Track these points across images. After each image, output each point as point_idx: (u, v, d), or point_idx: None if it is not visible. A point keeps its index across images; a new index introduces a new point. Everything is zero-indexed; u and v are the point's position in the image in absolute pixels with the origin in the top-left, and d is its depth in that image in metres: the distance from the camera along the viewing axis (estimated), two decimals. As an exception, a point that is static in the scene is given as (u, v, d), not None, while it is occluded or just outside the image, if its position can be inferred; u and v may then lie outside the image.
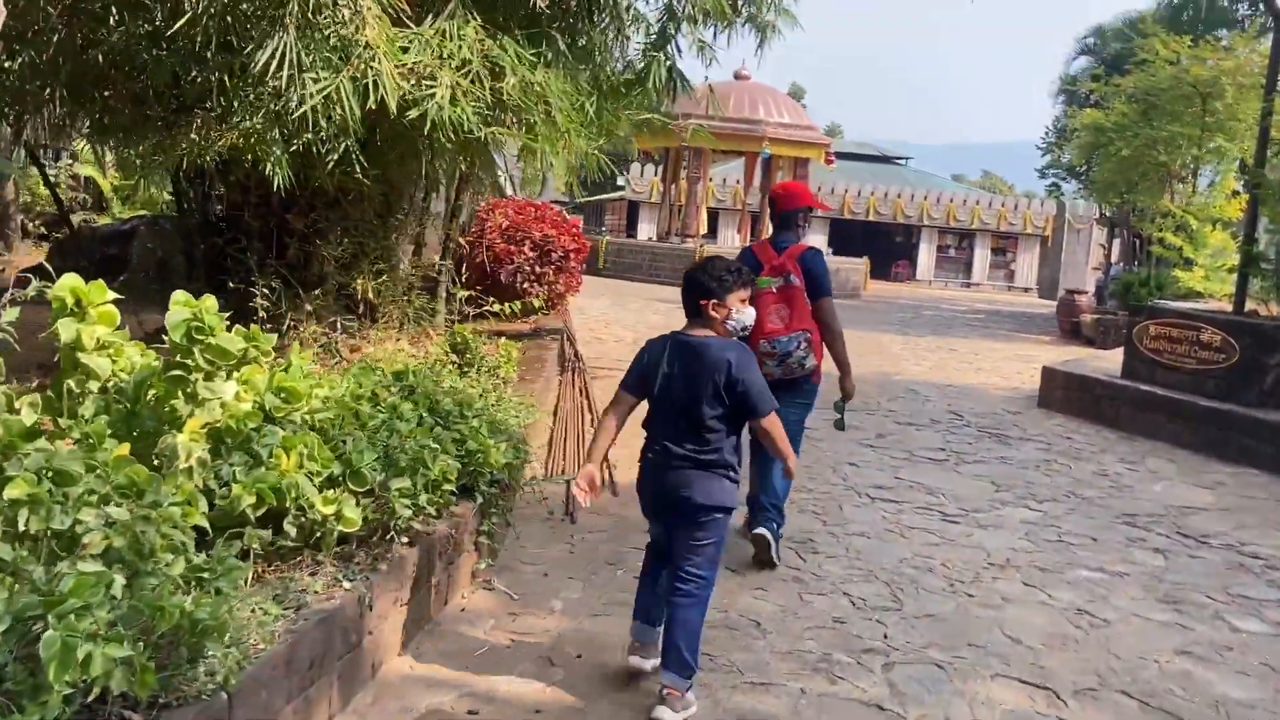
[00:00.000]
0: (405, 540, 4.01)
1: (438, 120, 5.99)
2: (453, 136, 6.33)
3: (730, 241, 37.62)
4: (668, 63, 8.10)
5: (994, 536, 5.96)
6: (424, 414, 4.75)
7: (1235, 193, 17.51)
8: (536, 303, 12.32)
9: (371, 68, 5.57)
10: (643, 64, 8.09)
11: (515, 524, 5.31)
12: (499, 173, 19.00)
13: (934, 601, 4.92)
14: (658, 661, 3.72)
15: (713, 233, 41.25)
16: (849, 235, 41.94)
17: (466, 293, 9.99)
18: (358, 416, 4.39)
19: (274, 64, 5.28)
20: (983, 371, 13.63)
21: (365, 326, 8.04)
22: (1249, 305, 10.20)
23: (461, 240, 10.86)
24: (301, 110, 5.49)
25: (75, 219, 14.42)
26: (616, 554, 5.29)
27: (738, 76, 30.09)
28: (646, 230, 39.00)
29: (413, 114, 5.98)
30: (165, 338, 3.84)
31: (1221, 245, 16.30)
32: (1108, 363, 11.64)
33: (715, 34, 8.57)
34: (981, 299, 35.80)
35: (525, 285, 12.39)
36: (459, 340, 6.01)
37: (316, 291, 7.47)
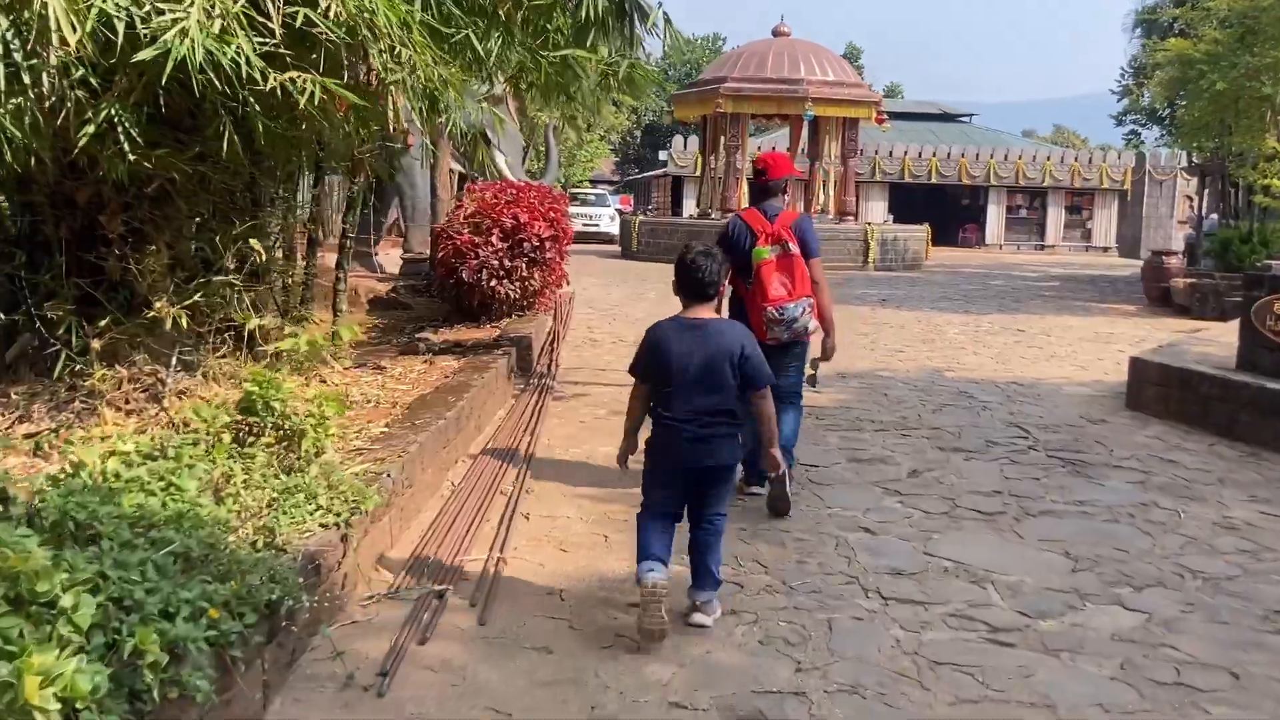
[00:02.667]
0: None
1: (194, 63, 3.95)
2: (243, 92, 4.30)
3: (780, 214, 35.21)
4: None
5: (1069, 674, 3.75)
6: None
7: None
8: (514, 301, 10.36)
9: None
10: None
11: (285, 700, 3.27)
12: (496, 152, 16.97)
13: None
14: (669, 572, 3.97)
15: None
16: (910, 200, 39.26)
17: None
18: None
19: None
20: (1056, 359, 11.25)
21: (214, 359, 6.05)
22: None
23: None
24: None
25: None
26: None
27: (776, 33, 27.78)
28: (691, 207, 36.71)
29: (145, 55, 3.94)
30: None
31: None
32: (1213, 347, 9.24)
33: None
34: (1056, 262, 33.00)
35: (492, 284, 10.34)
36: (256, 391, 3.98)
37: (106, 321, 5.45)
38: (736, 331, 4.10)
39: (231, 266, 6.17)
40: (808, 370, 5.93)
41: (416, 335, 9.96)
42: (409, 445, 5.15)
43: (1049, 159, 39.89)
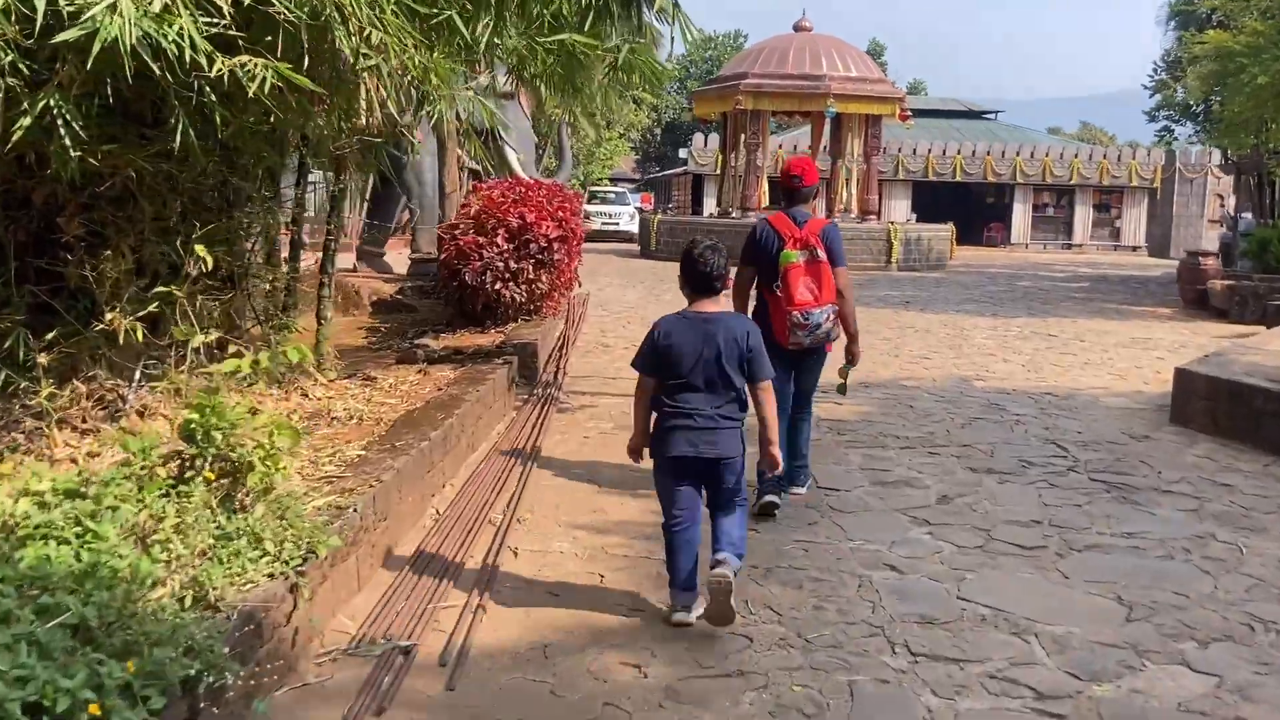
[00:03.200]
0: None
1: (125, 44, 3.46)
2: (199, 81, 3.81)
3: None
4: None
5: (1133, 753, 3.22)
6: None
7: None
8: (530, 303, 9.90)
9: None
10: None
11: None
12: (508, 149, 16.47)
13: None
14: (699, 612, 4.00)
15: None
16: (934, 198, 38.57)
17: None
18: None
19: None
20: (1091, 367, 10.66)
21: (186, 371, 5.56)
22: None
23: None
24: None
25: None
26: None
27: (798, 28, 27.20)
28: (711, 205, 36.13)
29: (68, 35, 3.45)
30: None
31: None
32: (1262, 355, 8.67)
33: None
34: (1085, 262, 32.28)
35: (497, 287, 9.84)
36: (195, 420, 3.47)
37: (55, 333, 4.97)
38: (741, 324, 4.15)
39: (201, 272, 5.69)
40: (838, 379, 6.08)
41: (416, 341, 9.48)
42: (384, 472, 4.64)
43: (1076, 156, 39.09)
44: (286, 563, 3.46)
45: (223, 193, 5.84)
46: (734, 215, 26.23)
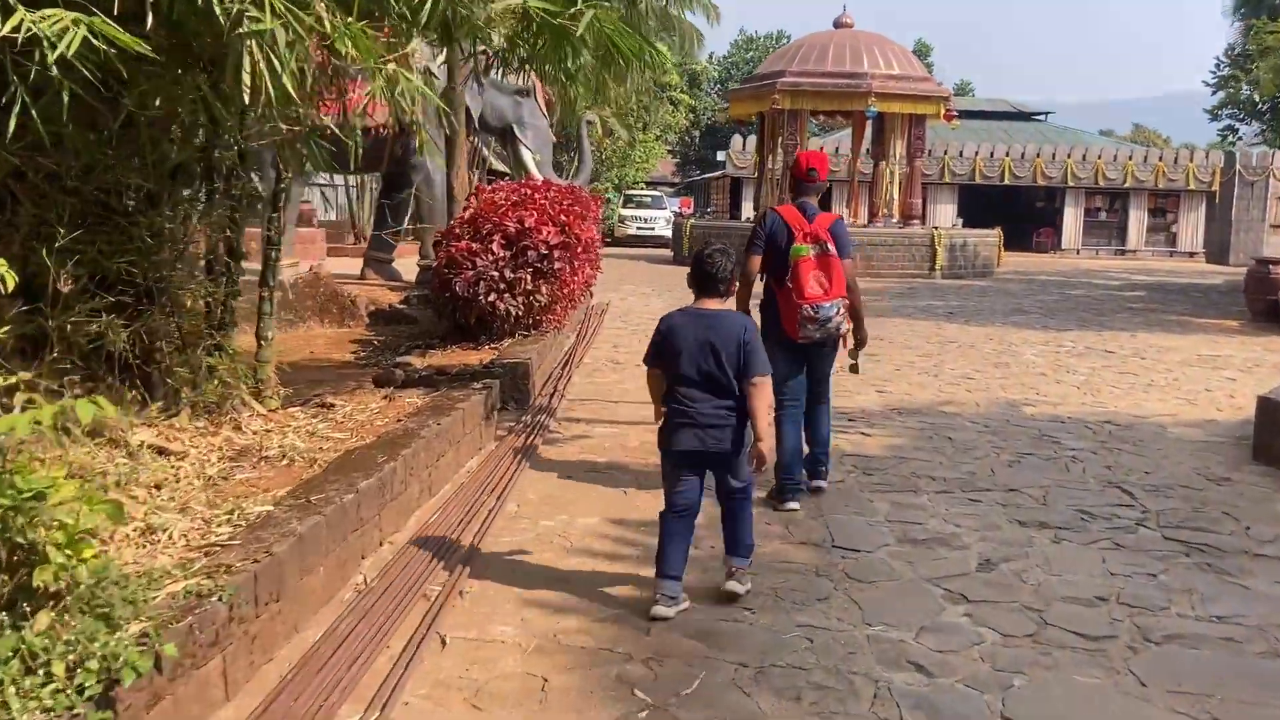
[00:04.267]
0: None
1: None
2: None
3: (845, 215, 33.42)
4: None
5: None
6: None
7: None
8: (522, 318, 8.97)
9: None
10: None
11: None
12: (523, 148, 15.56)
13: None
14: (683, 607, 4.12)
15: (825, 205, 37.08)
16: (981, 202, 37.24)
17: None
18: None
19: None
20: (1155, 390, 9.54)
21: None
22: None
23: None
24: None
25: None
26: None
27: (838, 25, 26.10)
28: (749, 209, 35.05)
29: None
30: None
31: None
32: (1359, 381, 7.53)
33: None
34: (1139, 269, 30.87)
35: (490, 298, 8.93)
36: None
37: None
38: (740, 321, 4.27)
39: (85, 289, 4.81)
40: (847, 361, 5.96)
41: (398, 360, 8.60)
42: (281, 540, 3.72)
43: (1130, 158, 37.58)
44: (82, 692, 2.54)
45: (134, 195, 4.95)
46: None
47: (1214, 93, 27.46)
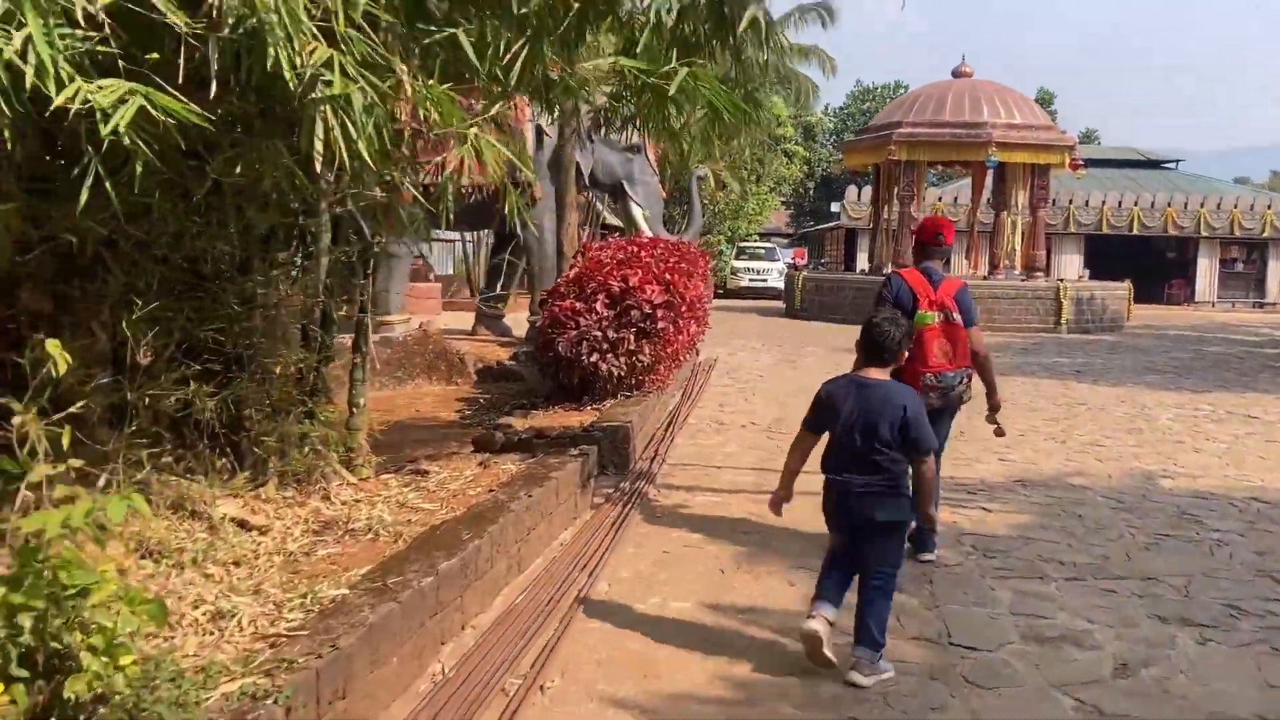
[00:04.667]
0: None
1: None
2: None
3: (959, 268, 32.61)
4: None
5: None
6: None
7: None
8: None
9: None
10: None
11: None
12: (633, 205, 15.47)
13: None
14: (828, 628, 4.08)
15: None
16: (1109, 253, 35.96)
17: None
18: None
19: None
20: (1308, 461, 8.81)
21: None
22: None
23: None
24: None
25: None
26: None
27: (957, 74, 25.63)
28: (864, 261, 34.44)
29: None
30: None
31: None
32: None
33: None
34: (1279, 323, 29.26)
35: (593, 359, 8.74)
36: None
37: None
38: (904, 394, 4.19)
39: (172, 357, 4.73)
40: (993, 428, 5.87)
41: (499, 420, 8.45)
42: (347, 633, 3.50)
43: (1270, 207, 35.87)
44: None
45: (224, 262, 4.88)
46: (887, 271, 24.59)
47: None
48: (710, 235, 35.16)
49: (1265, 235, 35.68)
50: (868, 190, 34.88)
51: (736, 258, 37.87)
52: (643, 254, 9.79)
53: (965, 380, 5.53)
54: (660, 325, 8.90)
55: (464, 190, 13.84)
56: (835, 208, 41.69)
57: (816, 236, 50.82)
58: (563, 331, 8.86)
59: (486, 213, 14.06)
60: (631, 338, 8.84)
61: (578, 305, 8.96)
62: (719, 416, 10.36)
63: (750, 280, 36.78)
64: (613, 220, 19.57)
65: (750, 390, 12.23)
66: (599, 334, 8.78)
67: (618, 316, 8.90)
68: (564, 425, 8.00)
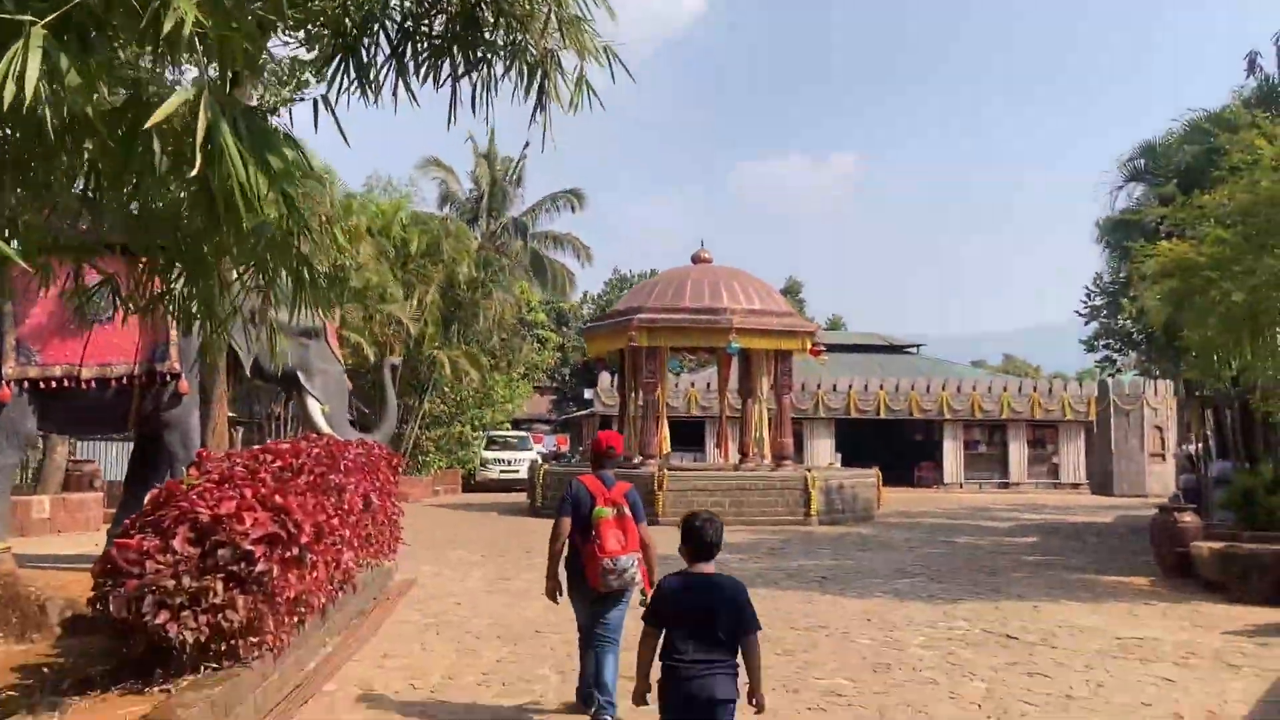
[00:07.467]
0: None
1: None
2: None
3: (712, 456, 31.53)
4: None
5: None
6: None
7: None
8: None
9: None
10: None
11: None
12: (309, 399, 13.18)
13: None
14: None
15: (698, 444, 35.32)
16: (858, 437, 35.96)
17: None
18: None
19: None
20: (1078, 706, 7.20)
21: None
22: None
23: None
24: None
25: None
26: None
27: (696, 260, 24.92)
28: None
29: None
30: None
31: None
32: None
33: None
34: (1025, 504, 29.41)
35: (160, 619, 6.28)
36: None
37: None
38: (733, 585, 4.63)
39: None
40: (636, 598, 6.34)
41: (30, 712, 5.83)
42: None
43: (1005, 390, 37.00)
44: None
45: None
46: (636, 461, 22.98)
47: (1086, 323, 26.99)
48: (453, 426, 32.94)
49: (1004, 417, 36.61)
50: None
51: (487, 448, 35.71)
52: (257, 466, 7.51)
53: (635, 563, 6.40)
54: (258, 570, 6.55)
55: (84, 383, 11.07)
56: (588, 394, 40.50)
57: (576, 424, 49.50)
58: (121, 581, 6.40)
59: (120, 413, 11.47)
60: (219, 586, 6.45)
61: (144, 544, 6.54)
62: (370, 680, 7.95)
63: (501, 472, 34.63)
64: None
65: (435, 629, 9.87)
66: (171, 583, 6.35)
67: (203, 557, 6.53)
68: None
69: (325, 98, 4.50)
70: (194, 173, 2.83)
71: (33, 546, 13.16)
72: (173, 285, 5.11)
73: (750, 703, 4.56)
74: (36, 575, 9.96)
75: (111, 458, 21.80)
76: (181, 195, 4.03)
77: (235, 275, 4.59)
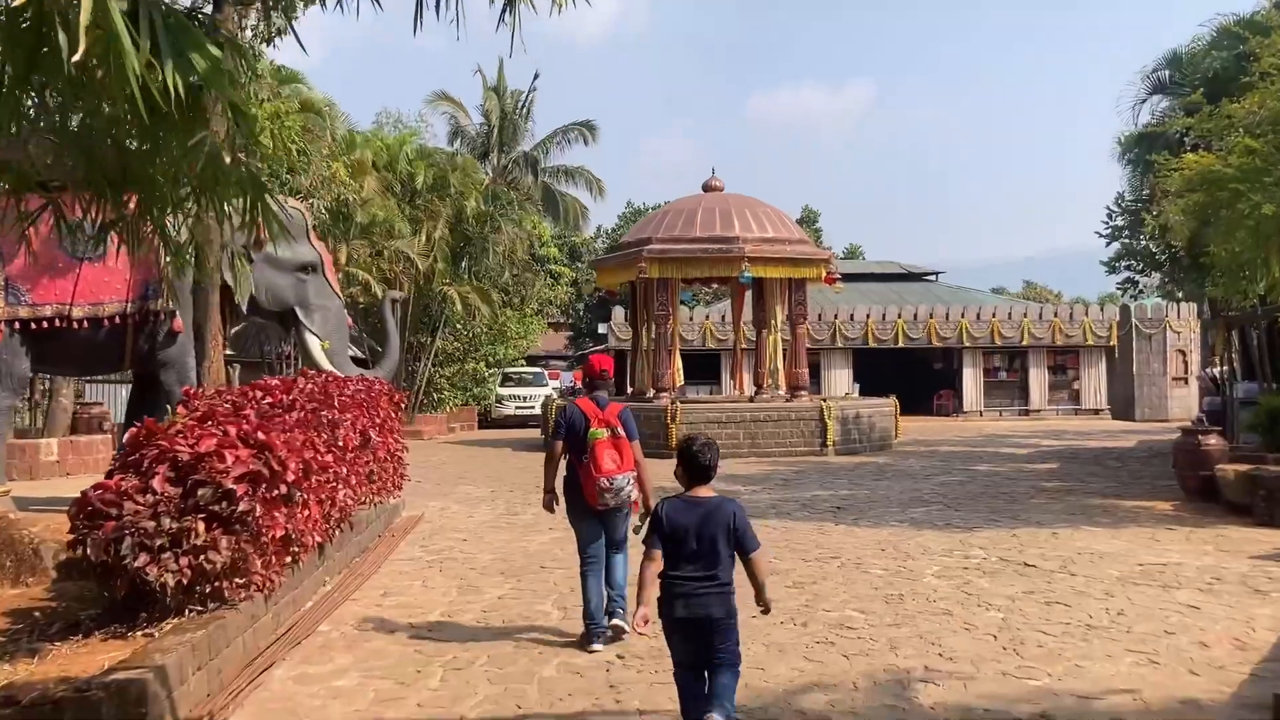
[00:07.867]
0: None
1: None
2: None
3: (729, 388, 31.24)
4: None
5: None
6: None
7: None
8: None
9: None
10: None
11: None
12: (308, 334, 12.91)
13: None
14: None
15: (714, 377, 35.01)
16: (876, 367, 35.50)
17: None
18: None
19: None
20: (1099, 635, 6.95)
21: None
22: None
23: None
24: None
25: None
26: None
27: (707, 188, 24.36)
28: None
29: None
30: None
31: None
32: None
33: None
34: (1045, 430, 29.05)
35: (140, 561, 6.08)
36: None
37: None
38: (730, 506, 4.81)
39: None
40: (633, 524, 6.75)
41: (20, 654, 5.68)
42: None
43: (1026, 316, 36.37)
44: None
45: None
46: (649, 395, 22.73)
47: (1108, 244, 26.12)
48: (467, 363, 32.73)
49: (1024, 344, 36.06)
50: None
51: (502, 384, 35.54)
52: (243, 402, 7.25)
53: (631, 481, 6.65)
54: (242, 509, 6.31)
55: (76, 322, 10.77)
56: (602, 329, 40.15)
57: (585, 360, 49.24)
58: (99, 524, 6.18)
59: (116, 353, 11.22)
60: (200, 527, 6.23)
61: (125, 484, 6.31)
62: (369, 615, 7.76)
63: (516, 408, 34.50)
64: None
65: (438, 565, 9.68)
66: (151, 524, 6.13)
67: (184, 497, 6.30)
68: (78, 671, 5.33)
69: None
70: (76, 57, 2.48)
71: (40, 490, 13.03)
72: (148, 216, 4.76)
73: (758, 604, 4.79)
74: (34, 518, 9.78)
75: (120, 400, 21.67)
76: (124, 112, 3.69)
77: (183, 197, 4.23)
